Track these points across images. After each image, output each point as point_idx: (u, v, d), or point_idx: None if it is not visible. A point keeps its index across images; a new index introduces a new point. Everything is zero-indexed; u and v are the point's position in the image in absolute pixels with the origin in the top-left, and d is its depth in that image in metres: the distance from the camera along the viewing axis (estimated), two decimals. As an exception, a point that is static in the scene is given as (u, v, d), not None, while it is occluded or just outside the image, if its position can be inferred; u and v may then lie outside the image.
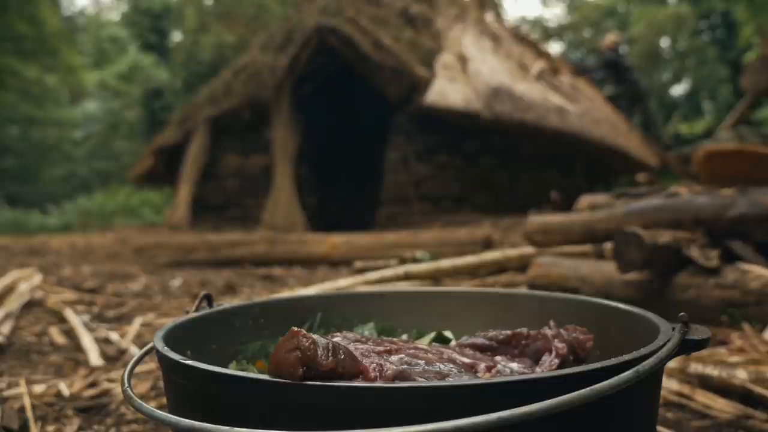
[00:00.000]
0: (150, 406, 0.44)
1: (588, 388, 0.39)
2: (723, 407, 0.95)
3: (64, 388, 1.14)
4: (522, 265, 2.38)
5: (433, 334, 0.74)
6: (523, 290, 1.43)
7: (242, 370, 0.64)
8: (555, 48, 19.71)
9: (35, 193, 14.32)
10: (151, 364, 1.25)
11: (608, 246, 1.92)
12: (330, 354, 0.44)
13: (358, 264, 3.22)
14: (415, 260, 2.99)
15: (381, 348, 0.56)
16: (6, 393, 1.11)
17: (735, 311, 1.37)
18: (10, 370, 1.31)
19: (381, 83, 5.97)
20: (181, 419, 0.41)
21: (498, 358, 0.59)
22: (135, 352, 1.44)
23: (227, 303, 0.75)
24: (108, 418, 1.00)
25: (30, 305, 2.09)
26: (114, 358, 1.42)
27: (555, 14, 29.91)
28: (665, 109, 16.18)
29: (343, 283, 2.26)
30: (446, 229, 4.39)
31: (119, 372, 1.26)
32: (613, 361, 0.44)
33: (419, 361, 0.55)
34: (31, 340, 1.60)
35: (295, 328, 0.45)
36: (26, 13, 13.18)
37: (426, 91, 5.33)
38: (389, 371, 0.45)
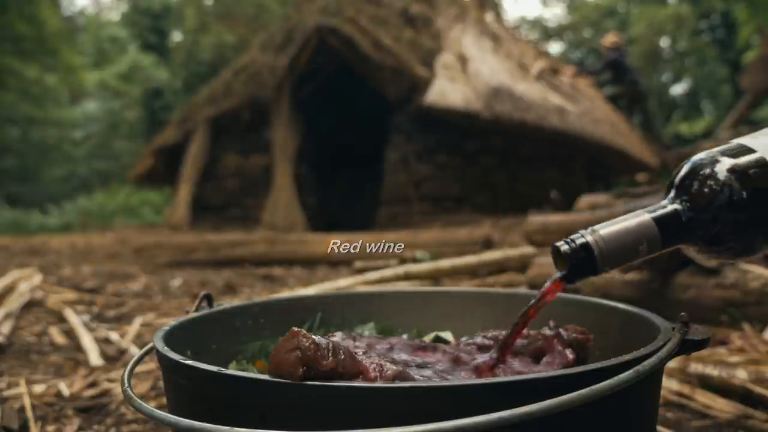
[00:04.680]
0: (150, 406, 0.44)
1: (588, 388, 0.39)
2: (723, 407, 0.95)
3: (64, 388, 1.14)
4: (522, 265, 2.38)
5: (433, 335, 0.74)
6: (523, 290, 1.42)
7: (242, 370, 0.64)
8: (555, 48, 19.72)
9: (35, 193, 14.32)
10: (151, 364, 1.25)
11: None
12: (330, 354, 0.44)
13: (358, 264, 3.22)
14: (415, 260, 2.99)
15: (381, 347, 0.56)
16: (6, 393, 1.11)
17: (735, 311, 1.37)
18: (10, 370, 1.31)
19: (381, 83, 5.97)
20: (181, 419, 0.41)
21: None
22: (135, 352, 1.44)
23: (227, 303, 0.75)
24: (108, 418, 1.00)
25: (30, 305, 2.09)
26: (114, 358, 1.42)
27: (555, 14, 29.90)
28: (665, 109, 16.19)
29: (343, 283, 2.26)
30: (446, 229, 4.38)
31: (119, 372, 1.26)
32: (613, 361, 0.44)
33: (419, 361, 0.55)
34: (31, 340, 1.60)
35: (295, 328, 0.45)
36: (26, 13, 13.18)
37: (426, 91, 5.33)
38: (389, 371, 0.45)
